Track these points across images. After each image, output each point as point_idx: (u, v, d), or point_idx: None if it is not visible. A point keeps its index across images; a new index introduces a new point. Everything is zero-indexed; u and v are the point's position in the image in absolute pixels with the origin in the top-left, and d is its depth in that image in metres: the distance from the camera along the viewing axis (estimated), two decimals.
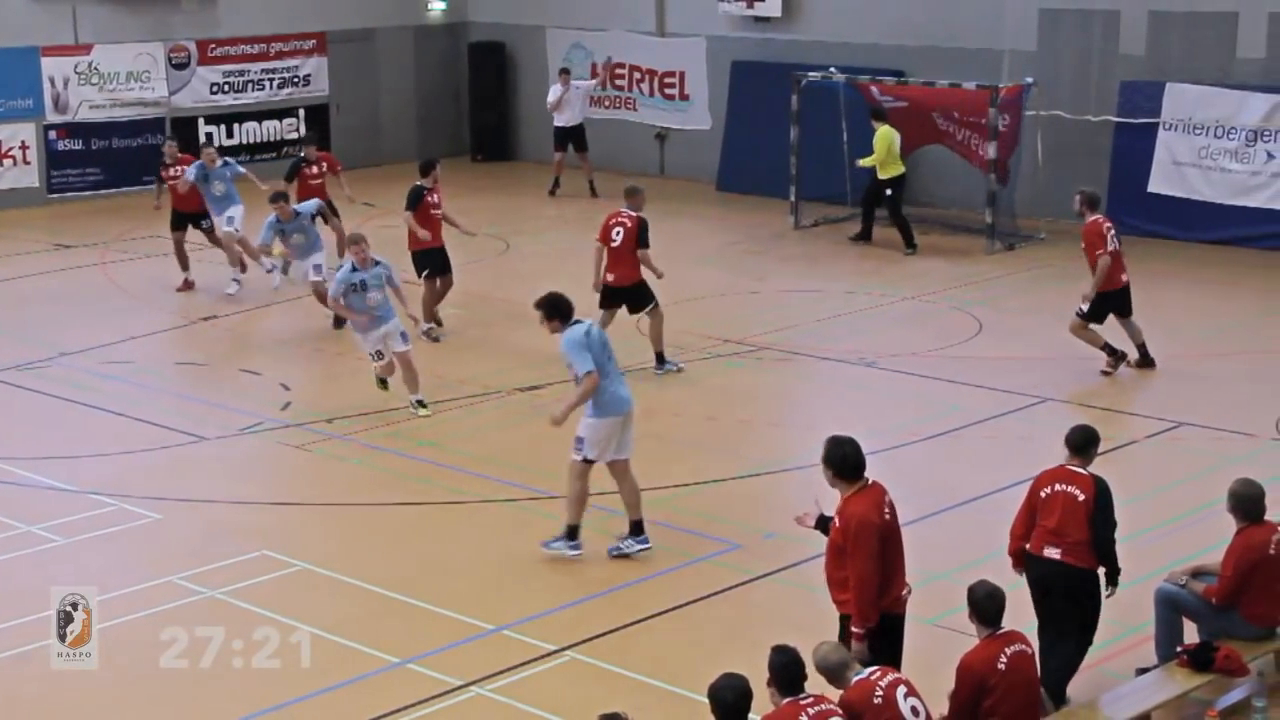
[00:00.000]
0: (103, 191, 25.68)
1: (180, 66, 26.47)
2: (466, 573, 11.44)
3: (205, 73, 26.74)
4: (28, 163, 25.11)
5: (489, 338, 17.68)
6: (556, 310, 11.36)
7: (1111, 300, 15.61)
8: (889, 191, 21.77)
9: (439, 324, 17.37)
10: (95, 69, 25.54)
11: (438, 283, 17.43)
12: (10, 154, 24.90)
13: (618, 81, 27.84)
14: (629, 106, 27.85)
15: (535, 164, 28.63)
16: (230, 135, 27.08)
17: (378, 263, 14.66)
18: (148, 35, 26.09)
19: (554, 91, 26.07)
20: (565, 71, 26.40)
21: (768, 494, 12.98)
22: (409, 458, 13.80)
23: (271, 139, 27.65)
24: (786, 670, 7.37)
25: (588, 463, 11.25)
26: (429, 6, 29.49)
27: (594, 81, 26.54)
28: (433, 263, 17.31)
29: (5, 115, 24.77)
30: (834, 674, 7.65)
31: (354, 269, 14.54)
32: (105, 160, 25.77)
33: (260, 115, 27.39)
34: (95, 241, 22.61)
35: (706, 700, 7.27)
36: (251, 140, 27.38)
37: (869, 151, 21.84)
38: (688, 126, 27.15)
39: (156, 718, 9.49)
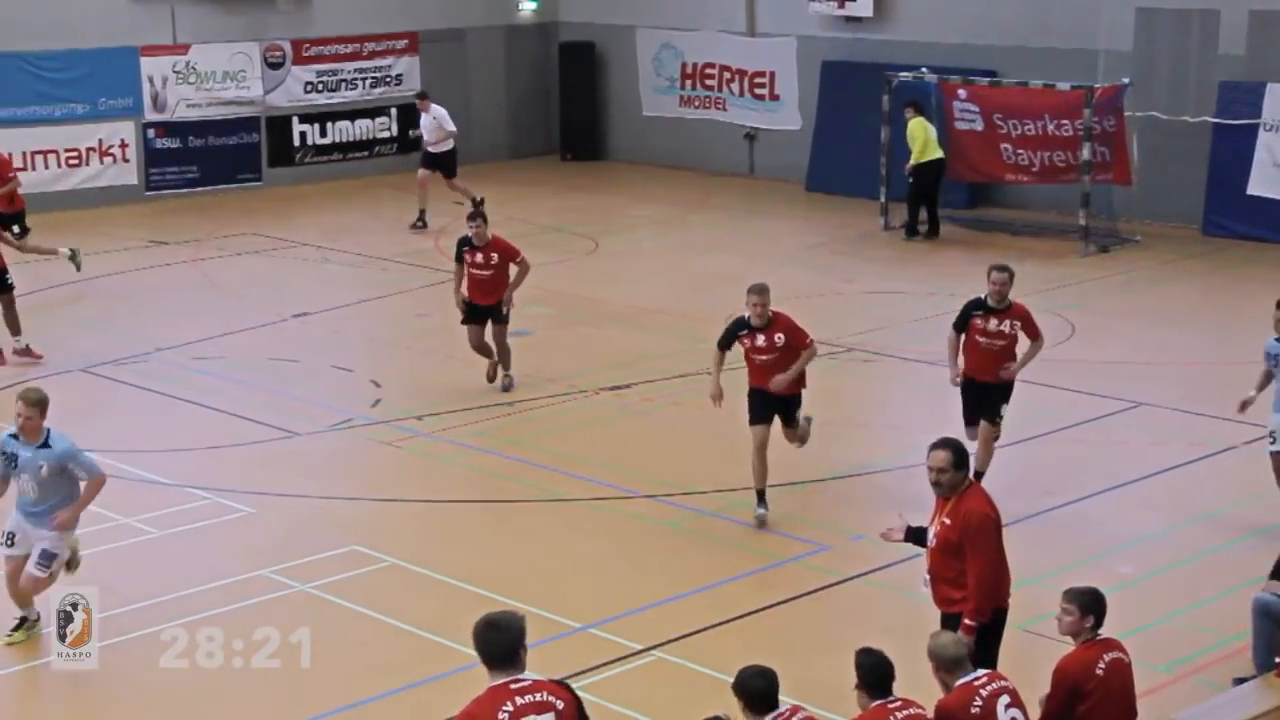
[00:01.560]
0: (198, 189, 26.06)
1: (275, 66, 26.79)
2: (553, 571, 11.48)
3: (299, 72, 27.04)
4: (127, 160, 25.54)
5: (575, 337, 17.74)
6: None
7: None
8: (910, 179, 21.91)
9: None
10: (193, 68, 25.91)
11: None
12: (110, 152, 25.33)
13: (707, 81, 27.83)
14: (718, 106, 27.83)
15: (625, 163, 28.72)
16: (323, 134, 27.40)
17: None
18: (244, 35, 26.43)
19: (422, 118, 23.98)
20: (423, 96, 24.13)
21: (855, 495, 12.92)
22: (497, 455, 13.88)
23: (363, 138, 27.90)
24: (875, 672, 7.29)
25: None
26: (520, 6, 29.62)
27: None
28: None
29: (106, 114, 25.20)
30: (949, 666, 7.48)
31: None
32: (201, 158, 26.14)
33: (352, 114, 27.66)
34: (190, 238, 22.93)
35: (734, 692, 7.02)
36: (343, 139, 27.66)
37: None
38: (777, 126, 27.09)
39: (243, 711, 9.60)
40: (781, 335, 12.10)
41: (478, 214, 15.48)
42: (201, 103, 26.07)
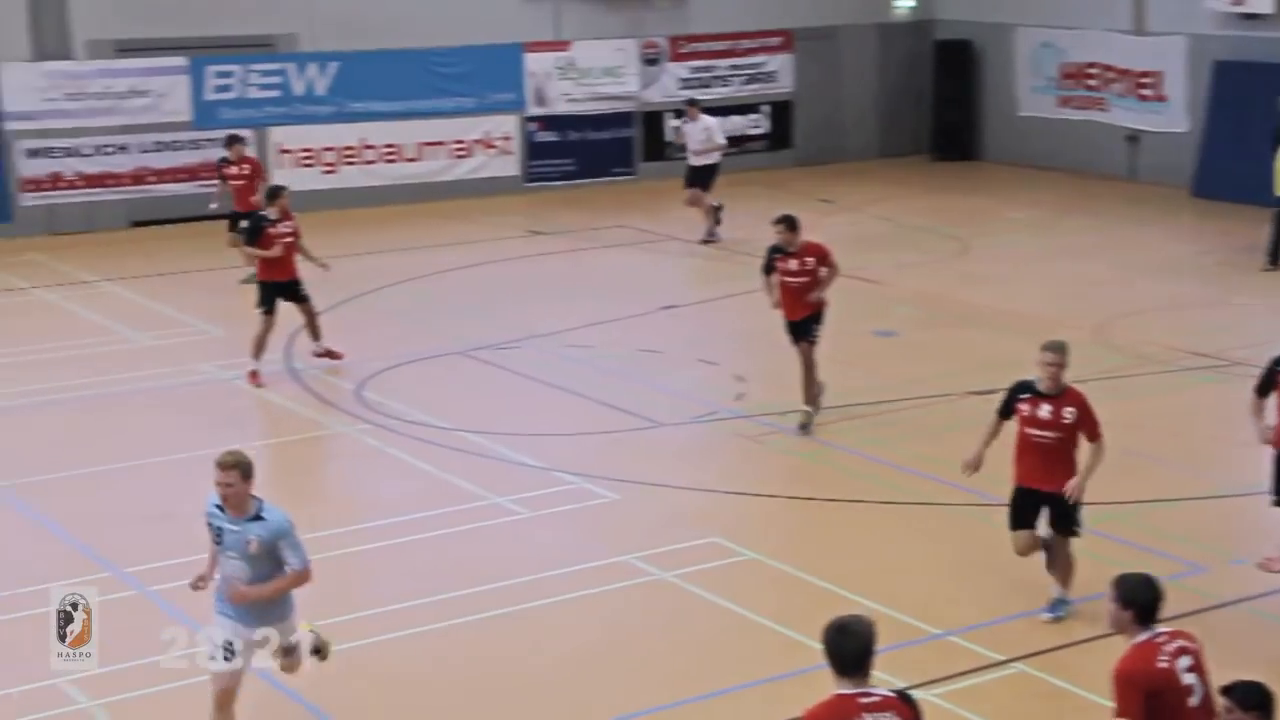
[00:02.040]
0: (575, 181, 26.81)
1: (651, 62, 27.31)
2: (912, 574, 11.31)
3: (675, 68, 27.49)
4: (509, 153, 26.49)
5: (942, 339, 17.45)
6: None
7: None
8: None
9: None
10: (574, 64, 26.66)
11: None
12: (494, 144, 26.32)
13: (1089, 81, 26.95)
14: (1099, 107, 26.92)
15: (998, 164, 28.11)
16: None
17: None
18: (623, 32, 27.04)
19: (684, 124, 23.43)
20: (694, 104, 23.52)
21: (1235, 516, 12.29)
22: (858, 455, 13.77)
23: (734, 134, 28.15)
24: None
25: None
26: (895, 4, 29.33)
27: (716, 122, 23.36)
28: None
29: (491, 107, 26.20)
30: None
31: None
32: (578, 152, 26.89)
33: (725, 111, 27.93)
34: (566, 229, 23.59)
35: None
36: None
37: None
38: (1162, 129, 26.02)
39: (596, 693, 9.80)
40: (1072, 411, 10.11)
41: (786, 219, 14.13)
42: (581, 98, 26.80)
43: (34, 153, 23.33)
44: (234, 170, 20.27)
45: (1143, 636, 6.78)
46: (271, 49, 25.07)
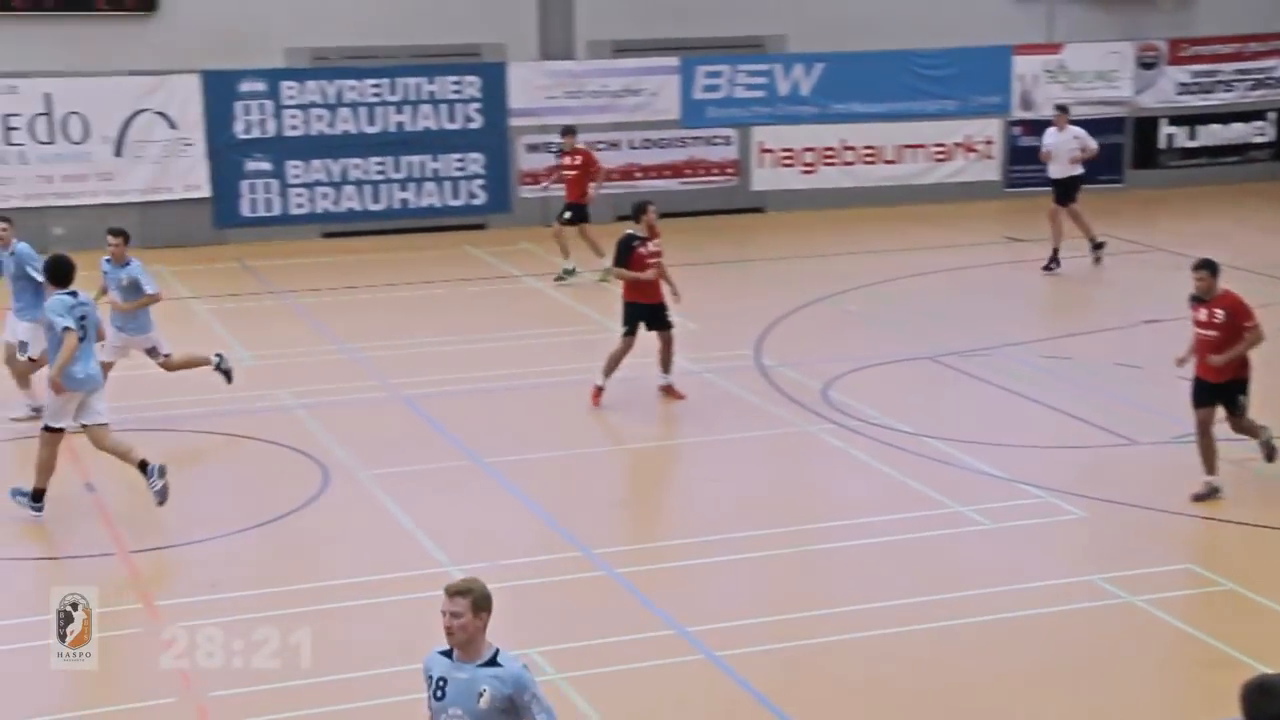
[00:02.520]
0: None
1: (1148, 66, 26.23)
2: None
3: (1174, 72, 26.31)
4: (990, 157, 26.02)
5: None
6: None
7: None
8: None
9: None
10: (1064, 67, 25.92)
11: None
12: (975, 147, 25.92)
13: None
14: None
15: None
16: (1192, 136, 26.53)
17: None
18: (1119, 34, 26.09)
19: (1049, 135, 21.70)
20: (1064, 110, 21.94)
21: None
22: None
23: (1235, 142, 26.70)
24: None
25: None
26: None
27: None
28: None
29: (974, 111, 25.81)
30: None
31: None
32: None
33: (1226, 117, 26.53)
34: (1044, 237, 22.93)
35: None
36: (1213, 143, 26.63)
37: None
38: None
39: (1071, 712, 9.48)
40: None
41: (1206, 264, 12.70)
42: (1070, 101, 26.00)
43: (533, 148, 24.58)
44: (566, 161, 21.06)
45: None
46: (760, 49, 25.52)
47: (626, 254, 15.18)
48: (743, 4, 25.33)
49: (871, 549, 11.81)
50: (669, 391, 15.43)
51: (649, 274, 15.14)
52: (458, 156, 24.00)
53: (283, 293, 20.27)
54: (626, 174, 24.86)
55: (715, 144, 25.24)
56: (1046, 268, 20.80)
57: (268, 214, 23.32)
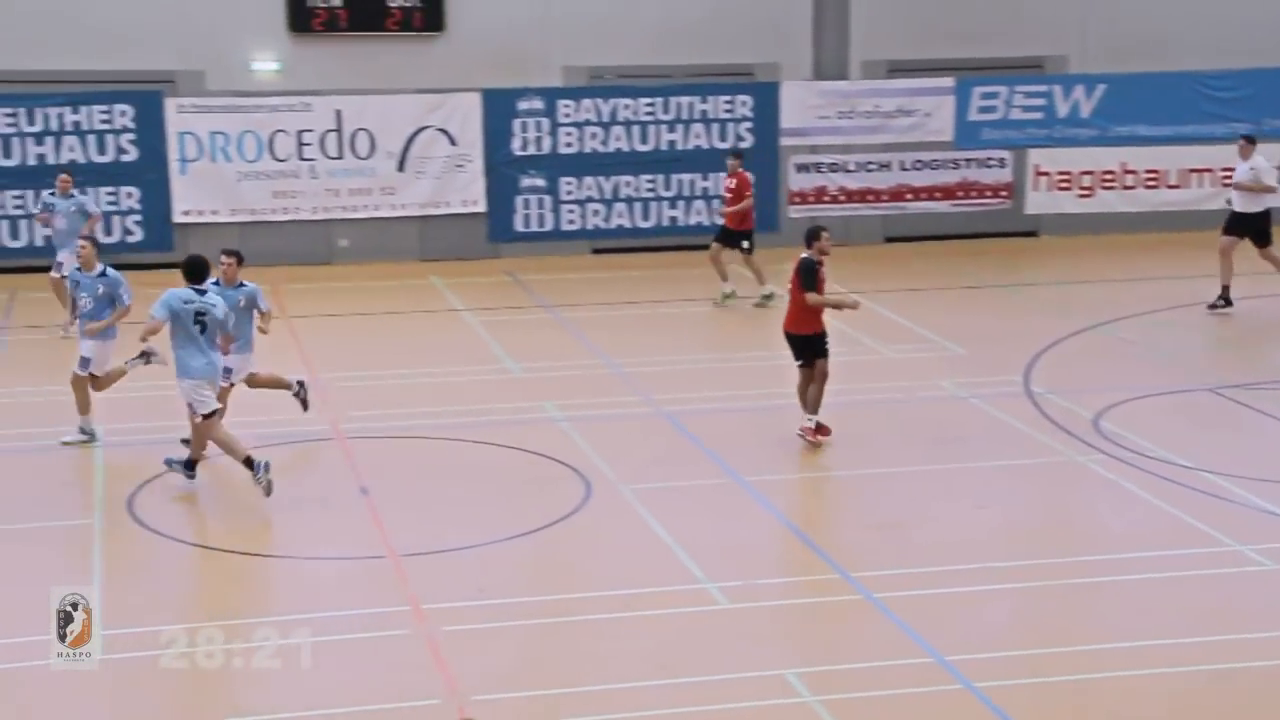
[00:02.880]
0: None
1: None
2: None
3: None
4: None
5: None
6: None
7: None
8: None
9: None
10: None
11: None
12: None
13: None
14: None
15: None
16: None
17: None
18: None
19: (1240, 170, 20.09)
20: (1250, 140, 20.36)
21: None
22: None
23: None
24: None
25: None
26: None
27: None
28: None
29: (1270, 133, 24.73)
30: None
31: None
32: None
33: None
34: None
35: None
36: None
37: None
38: None
39: None
40: None
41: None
42: None
43: (802, 167, 24.54)
44: (729, 183, 20.85)
45: None
46: (1039, 70, 24.99)
47: (812, 276, 14.50)
48: (1024, 25, 24.87)
49: (1142, 585, 11.40)
50: (819, 431, 14.49)
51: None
52: (727, 175, 24.12)
53: (551, 306, 20.64)
54: (897, 195, 24.62)
55: (989, 166, 24.80)
56: (1213, 306, 19.50)
57: (540, 229, 23.80)
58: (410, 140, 23.12)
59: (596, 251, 24.03)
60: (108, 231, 22.19)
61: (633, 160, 23.81)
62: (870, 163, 24.44)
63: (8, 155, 21.85)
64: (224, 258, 14.20)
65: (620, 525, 12.71)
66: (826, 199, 24.64)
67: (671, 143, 24.03)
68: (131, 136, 22.25)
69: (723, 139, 24.10)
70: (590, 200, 23.80)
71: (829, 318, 14.99)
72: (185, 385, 13.00)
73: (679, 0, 23.92)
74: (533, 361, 17.72)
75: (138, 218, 22.40)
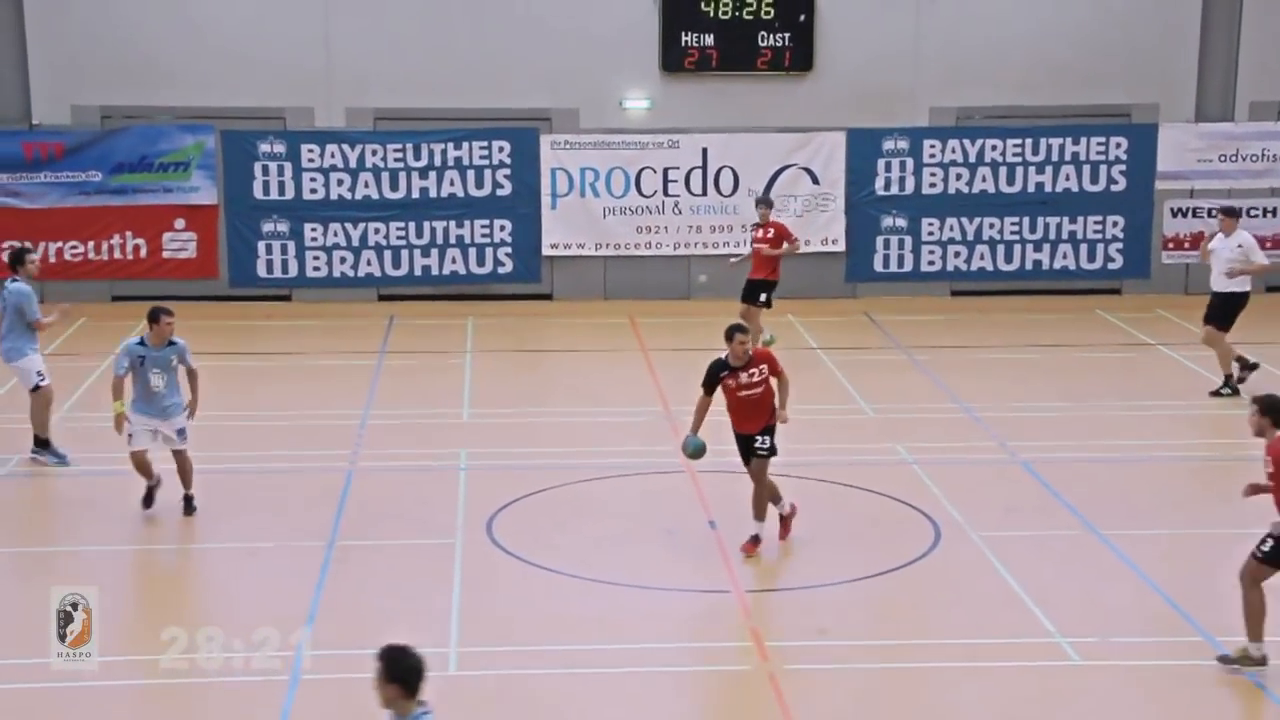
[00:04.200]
0: None
1: None
2: None
3: None
4: None
5: None
6: None
7: None
8: None
9: None
10: None
11: None
12: None
13: None
14: None
15: None
16: None
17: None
18: None
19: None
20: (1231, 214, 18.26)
21: None
22: None
23: None
24: None
25: None
26: None
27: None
28: None
29: None
30: None
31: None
32: None
33: None
34: None
35: None
36: None
37: None
38: None
39: None
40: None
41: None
42: None
43: (1178, 212, 23.60)
44: (759, 234, 19.66)
45: None
46: None
47: (710, 378, 12.78)
48: None
49: None
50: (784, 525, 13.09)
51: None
52: (1096, 219, 23.42)
53: (907, 348, 20.42)
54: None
55: None
56: (1216, 393, 17.69)
57: (899, 270, 23.59)
58: (773, 178, 23.28)
59: (955, 293, 23.66)
60: (480, 262, 23.16)
61: (998, 202, 23.36)
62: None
63: (394, 188, 23.03)
64: (166, 317, 13.32)
65: (969, 572, 12.46)
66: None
67: (1039, 185, 23.49)
68: (507, 172, 23.13)
69: (1094, 182, 23.42)
70: (951, 241, 23.46)
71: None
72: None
73: (1051, 40, 23.36)
74: (886, 402, 17.56)
75: (508, 250, 23.23)
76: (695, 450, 12.62)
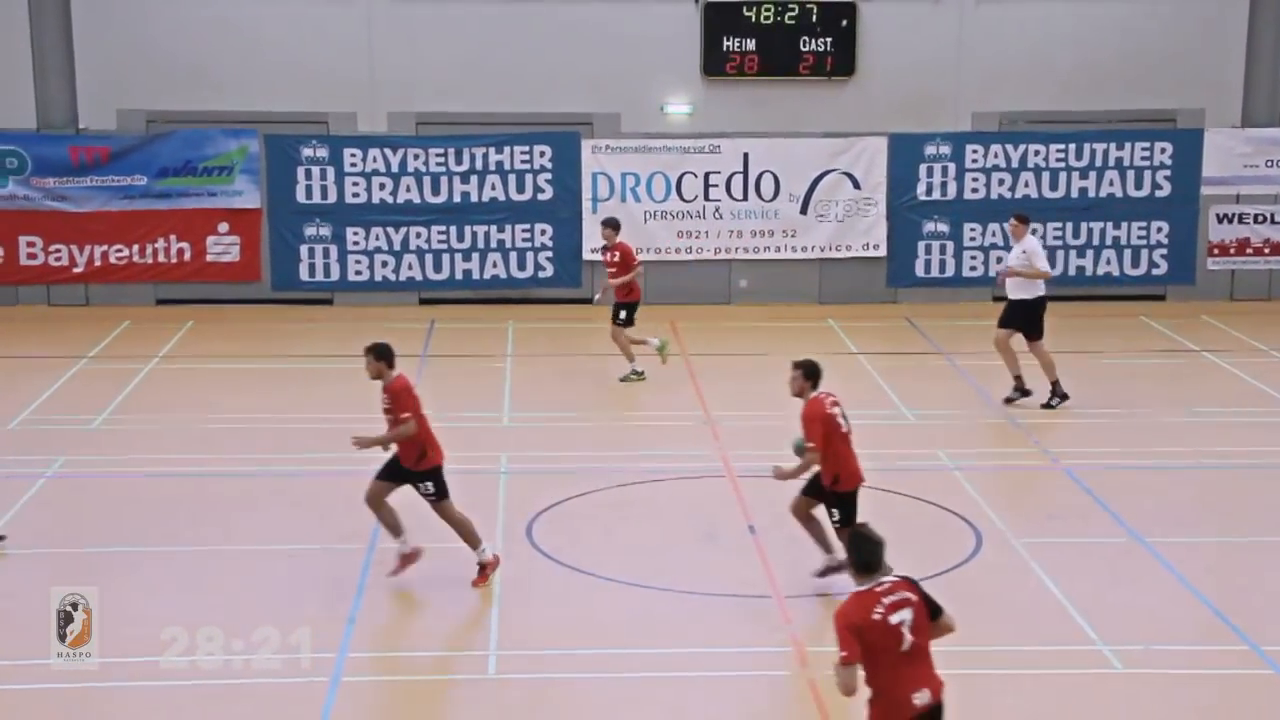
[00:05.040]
0: None
1: None
2: None
3: None
4: None
5: None
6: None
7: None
8: None
9: None
10: None
11: None
12: None
13: None
14: None
15: None
16: None
17: None
18: None
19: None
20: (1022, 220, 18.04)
21: None
22: None
23: None
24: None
25: None
26: None
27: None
28: None
29: None
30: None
31: None
32: None
33: None
34: None
35: None
36: None
37: None
38: None
39: None
40: None
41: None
42: None
43: (1224, 218, 23.43)
44: (607, 257, 19.00)
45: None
46: None
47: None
48: None
49: None
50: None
51: None
52: (1140, 224, 23.28)
53: (949, 353, 20.33)
54: None
55: None
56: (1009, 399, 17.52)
57: (940, 275, 23.49)
58: (815, 183, 23.22)
59: (997, 299, 23.48)
60: (520, 267, 23.19)
61: (1041, 207, 23.21)
62: None
63: (436, 192, 23.08)
64: None
65: (1010, 579, 12.39)
66: (1249, 250, 23.45)
67: (1083, 189, 23.35)
68: (548, 176, 23.14)
69: (1138, 187, 23.27)
70: (994, 247, 23.32)
71: None
72: None
73: (1096, 44, 23.23)
74: (927, 408, 17.48)
75: (549, 254, 23.25)
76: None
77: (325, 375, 19.04)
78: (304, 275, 23.08)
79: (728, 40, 23.06)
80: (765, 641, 11.24)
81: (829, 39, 23.02)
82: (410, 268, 23.14)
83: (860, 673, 7.72)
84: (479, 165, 23.05)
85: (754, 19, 22.96)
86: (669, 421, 16.93)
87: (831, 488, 11.74)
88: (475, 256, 23.21)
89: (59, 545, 13.26)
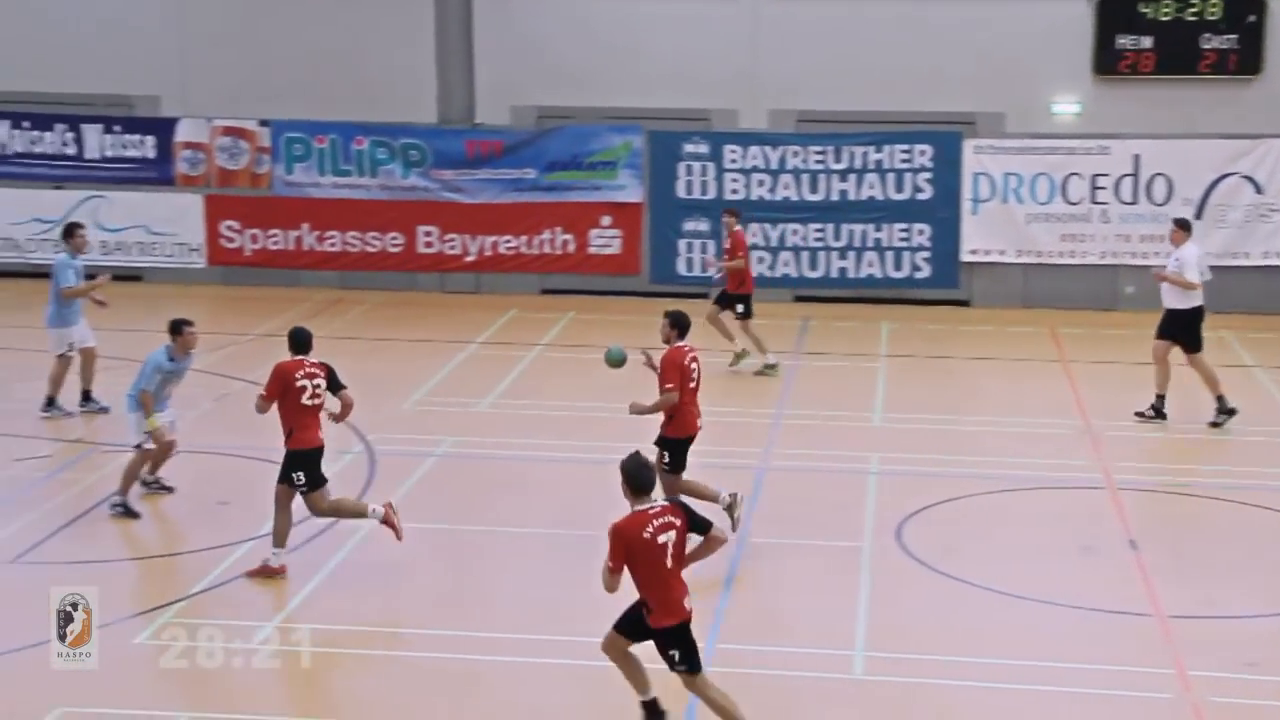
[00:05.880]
0: None
1: None
2: None
3: None
4: None
5: None
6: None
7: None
8: None
9: None
10: None
11: None
12: None
13: None
14: None
15: None
16: None
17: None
18: None
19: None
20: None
21: None
22: None
23: None
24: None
25: None
26: None
27: None
28: None
29: None
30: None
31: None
32: None
33: None
34: None
35: None
36: None
37: None
38: None
39: None
40: None
41: None
42: None
43: None
44: (727, 244, 18.88)
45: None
46: None
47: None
48: None
49: None
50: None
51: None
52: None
53: None
54: None
55: None
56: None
57: None
58: (1211, 187, 22.17)
59: None
60: (897, 266, 22.94)
61: None
62: None
63: (814, 190, 23.07)
64: (189, 328, 13.54)
65: None
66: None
67: None
68: (928, 175, 22.81)
69: None
70: None
71: None
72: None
73: None
74: None
75: (926, 254, 22.91)
76: (615, 358, 12.75)
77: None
78: (681, 270, 23.42)
79: (1122, 37, 22.26)
80: (1145, 661, 10.78)
81: (1234, 35, 21.93)
82: (786, 264, 23.21)
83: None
84: (858, 164, 22.92)
85: (1151, 15, 22.10)
86: (1045, 429, 16.45)
87: (668, 434, 12.52)
88: (851, 255, 23.09)
89: (442, 521, 13.81)
